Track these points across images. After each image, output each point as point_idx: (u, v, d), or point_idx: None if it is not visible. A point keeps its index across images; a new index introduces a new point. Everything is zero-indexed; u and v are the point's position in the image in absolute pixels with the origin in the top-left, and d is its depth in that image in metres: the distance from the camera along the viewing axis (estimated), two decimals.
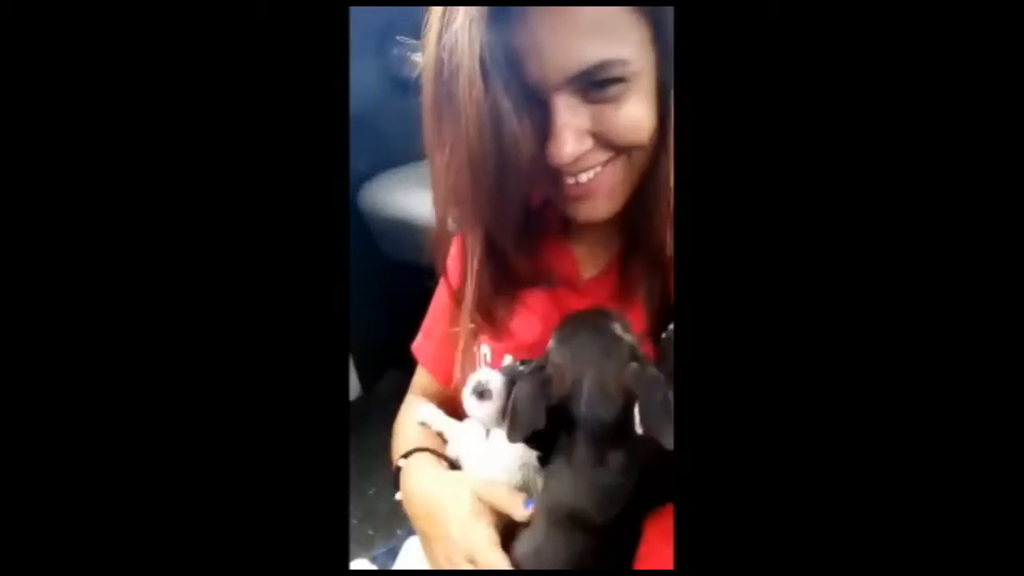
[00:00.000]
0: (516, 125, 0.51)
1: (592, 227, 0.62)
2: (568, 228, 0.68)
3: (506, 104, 0.50)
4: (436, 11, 0.52)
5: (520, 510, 0.58)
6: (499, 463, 0.63)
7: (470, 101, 0.50)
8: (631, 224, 0.61)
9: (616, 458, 0.54)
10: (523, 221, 0.61)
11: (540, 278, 0.66)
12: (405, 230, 1.46)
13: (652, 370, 0.52)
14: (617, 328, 0.55)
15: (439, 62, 0.51)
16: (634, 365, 0.53)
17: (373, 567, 0.78)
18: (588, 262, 0.67)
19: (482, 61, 0.49)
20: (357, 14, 0.51)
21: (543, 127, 0.53)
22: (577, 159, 0.54)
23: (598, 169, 0.56)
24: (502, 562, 0.56)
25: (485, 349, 0.69)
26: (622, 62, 0.51)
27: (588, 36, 0.50)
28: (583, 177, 0.56)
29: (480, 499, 0.60)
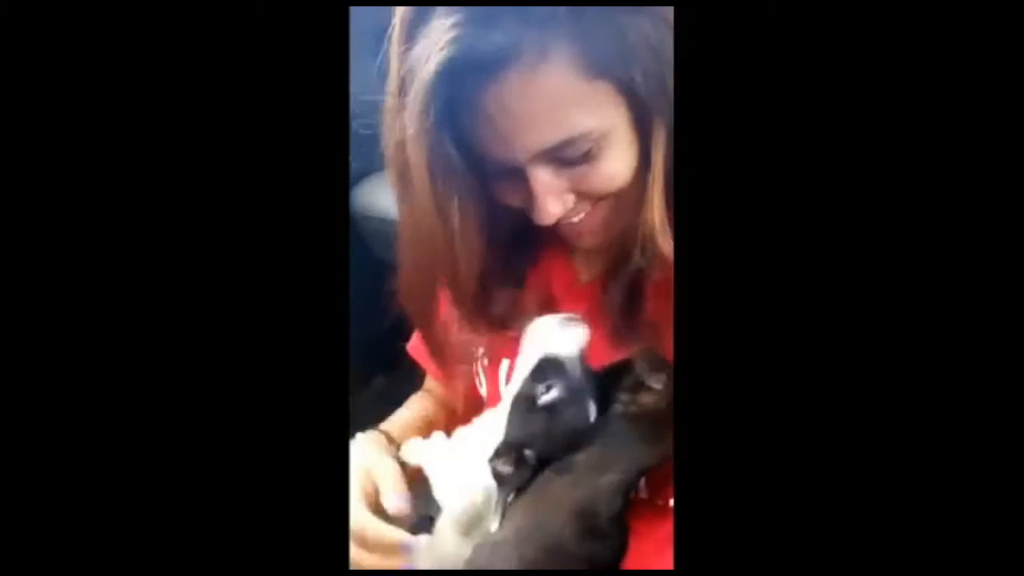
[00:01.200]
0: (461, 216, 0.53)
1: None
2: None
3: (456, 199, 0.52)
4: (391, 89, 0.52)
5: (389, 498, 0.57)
6: (461, 482, 0.60)
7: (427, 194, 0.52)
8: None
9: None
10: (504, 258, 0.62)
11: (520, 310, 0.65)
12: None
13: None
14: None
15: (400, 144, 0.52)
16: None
17: None
18: (586, 266, 0.67)
19: (433, 164, 0.51)
20: (357, 14, 0.51)
21: (521, 191, 0.54)
22: (563, 215, 0.55)
23: (583, 215, 0.56)
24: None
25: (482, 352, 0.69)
26: (585, 134, 0.50)
27: (546, 116, 0.49)
28: (574, 218, 0.56)
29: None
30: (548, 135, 0.50)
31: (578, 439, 0.53)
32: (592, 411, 0.54)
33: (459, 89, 0.49)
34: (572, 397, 0.54)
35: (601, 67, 0.48)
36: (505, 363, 0.67)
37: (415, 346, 0.79)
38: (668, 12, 0.49)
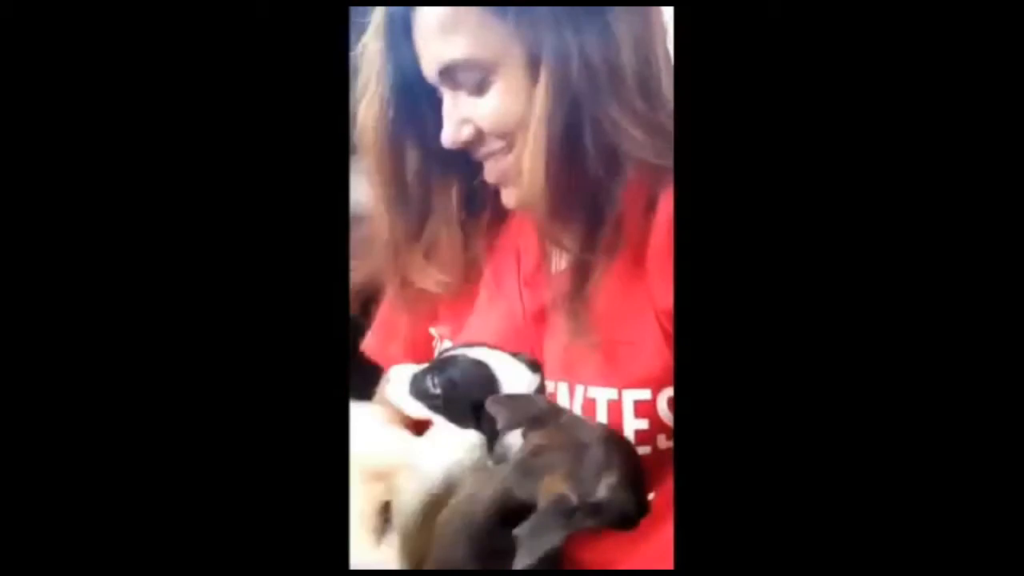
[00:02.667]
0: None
1: (559, 221, 0.62)
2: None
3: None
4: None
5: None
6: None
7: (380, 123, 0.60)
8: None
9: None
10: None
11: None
12: None
13: None
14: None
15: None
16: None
17: None
18: (556, 256, 0.66)
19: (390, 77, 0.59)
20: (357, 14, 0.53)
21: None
22: (468, 145, 0.60)
23: (497, 158, 0.61)
24: None
25: (442, 331, 0.71)
26: (473, 61, 0.56)
27: (443, 38, 0.56)
28: (488, 167, 0.61)
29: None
30: (445, 52, 0.57)
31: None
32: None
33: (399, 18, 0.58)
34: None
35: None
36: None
37: (369, 344, 0.79)
38: None
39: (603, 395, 0.59)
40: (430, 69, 0.58)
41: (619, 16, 0.55)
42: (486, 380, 0.56)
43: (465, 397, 0.56)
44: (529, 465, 0.50)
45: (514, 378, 0.57)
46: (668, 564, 0.41)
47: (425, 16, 0.57)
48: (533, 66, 0.56)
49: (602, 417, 0.58)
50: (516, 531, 0.46)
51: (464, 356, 0.58)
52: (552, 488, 0.47)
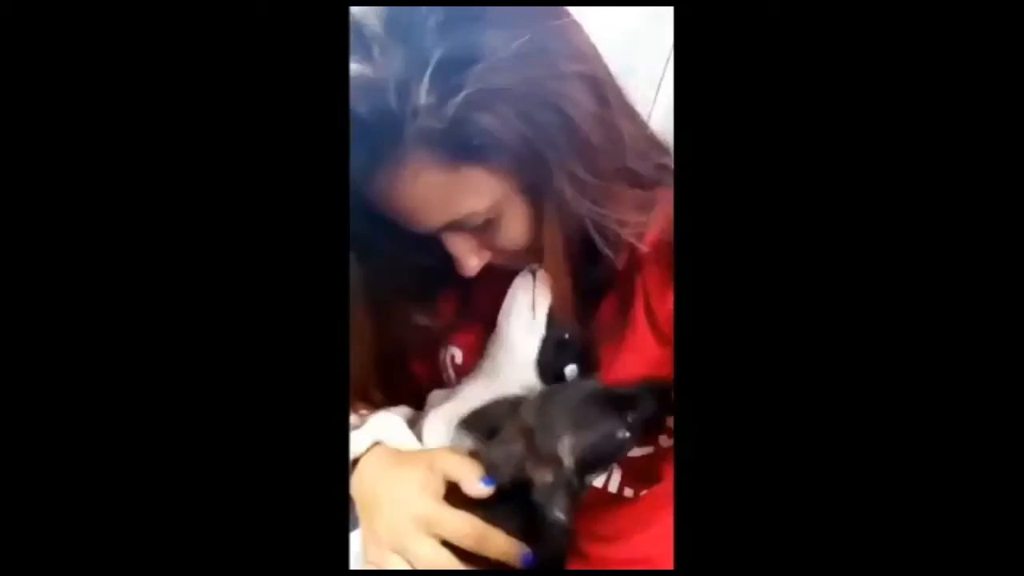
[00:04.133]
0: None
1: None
2: None
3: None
4: None
5: (475, 484, 0.54)
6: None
7: None
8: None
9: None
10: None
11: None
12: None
13: None
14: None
15: None
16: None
17: None
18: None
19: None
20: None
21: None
22: (486, 266, 0.61)
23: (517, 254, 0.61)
24: (438, 550, 0.53)
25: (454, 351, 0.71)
26: (477, 213, 0.56)
27: (434, 203, 0.55)
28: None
29: (431, 469, 0.56)
30: (442, 216, 0.56)
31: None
32: None
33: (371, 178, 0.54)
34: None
35: (461, 156, 0.53)
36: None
37: None
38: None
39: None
40: (428, 225, 0.56)
41: (568, 86, 0.55)
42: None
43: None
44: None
45: None
46: (668, 553, 0.41)
47: (402, 189, 0.54)
48: (533, 190, 0.57)
49: None
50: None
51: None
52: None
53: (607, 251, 0.59)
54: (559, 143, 0.54)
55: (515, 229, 0.58)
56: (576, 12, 0.58)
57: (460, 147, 0.52)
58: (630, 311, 0.62)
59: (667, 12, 0.50)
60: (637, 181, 0.59)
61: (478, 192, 0.55)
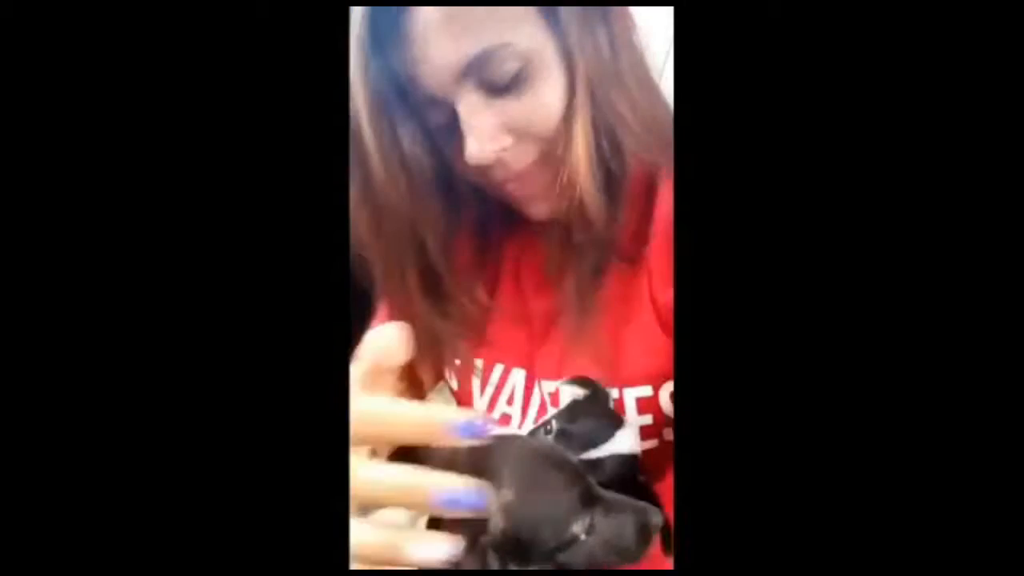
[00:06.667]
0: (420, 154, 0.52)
1: (560, 227, 0.61)
2: (539, 228, 0.66)
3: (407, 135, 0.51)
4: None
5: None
6: None
7: (374, 143, 0.51)
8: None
9: None
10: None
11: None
12: None
13: None
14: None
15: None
16: None
17: None
18: (556, 263, 0.66)
19: (374, 93, 0.49)
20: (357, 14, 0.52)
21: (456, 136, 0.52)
22: (499, 158, 0.53)
23: (525, 169, 0.54)
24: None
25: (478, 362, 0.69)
26: (506, 45, 0.48)
27: (466, 29, 0.48)
28: (512, 183, 0.55)
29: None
30: (468, 46, 0.48)
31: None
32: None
33: (384, 21, 0.48)
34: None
35: None
36: (479, 362, 0.67)
37: None
38: None
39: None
40: (443, 73, 0.50)
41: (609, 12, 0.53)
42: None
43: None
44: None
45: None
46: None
47: (429, 13, 0.48)
48: (567, 57, 0.51)
49: None
50: None
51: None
52: None
53: (615, 167, 0.53)
54: (600, 31, 0.50)
55: (547, 96, 0.51)
56: None
57: None
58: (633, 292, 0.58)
59: (667, 12, 0.51)
60: (650, 92, 0.55)
61: (518, 25, 0.49)
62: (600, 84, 0.52)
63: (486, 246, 0.67)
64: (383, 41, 0.49)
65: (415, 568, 0.35)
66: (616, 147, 0.54)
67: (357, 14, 0.50)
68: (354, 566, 0.36)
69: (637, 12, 0.58)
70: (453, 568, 0.44)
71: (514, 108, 0.51)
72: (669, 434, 0.60)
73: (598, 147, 0.53)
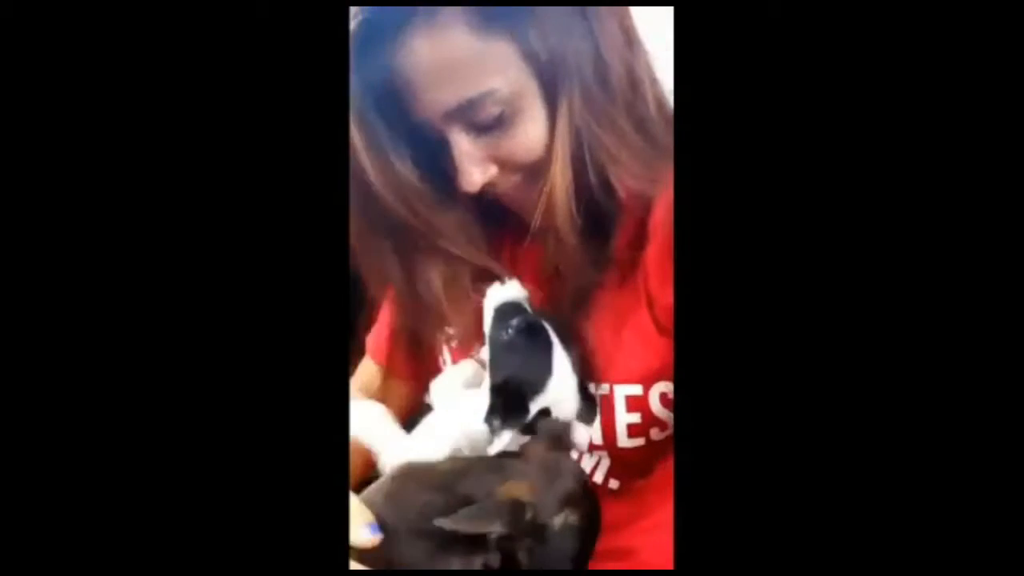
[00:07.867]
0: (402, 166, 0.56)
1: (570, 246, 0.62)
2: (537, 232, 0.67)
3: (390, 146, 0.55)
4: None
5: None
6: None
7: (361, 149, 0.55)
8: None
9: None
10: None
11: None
12: None
13: None
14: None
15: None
16: None
17: None
18: (552, 261, 0.66)
19: (363, 110, 0.54)
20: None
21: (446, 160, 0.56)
22: (488, 185, 0.57)
23: (513, 187, 0.58)
24: None
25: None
26: (490, 93, 0.52)
27: (452, 74, 0.52)
28: (504, 198, 0.59)
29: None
30: (454, 93, 0.52)
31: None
32: (553, 337, 0.55)
33: (374, 58, 0.52)
34: (532, 326, 0.56)
35: (495, 27, 0.51)
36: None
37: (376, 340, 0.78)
38: None
39: (595, 392, 0.60)
40: (432, 110, 0.54)
41: (602, 22, 0.54)
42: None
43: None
44: (500, 464, 0.50)
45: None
46: (668, 546, 0.41)
47: (419, 55, 0.52)
48: (551, 98, 0.54)
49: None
50: (441, 521, 0.43)
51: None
52: (515, 492, 0.46)
53: (602, 199, 0.56)
54: (583, 51, 0.53)
55: (529, 132, 0.55)
56: None
57: (494, 15, 0.50)
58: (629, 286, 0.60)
59: (667, 12, 0.51)
60: (645, 131, 0.57)
61: (502, 70, 0.52)
62: (585, 121, 0.55)
63: (486, 247, 0.67)
64: (374, 80, 0.53)
65: None
66: (604, 180, 0.56)
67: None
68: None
69: (637, 12, 0.58)
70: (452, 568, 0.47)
71: (499, 143, 0.55)
72: (656, 434, 0.60)
73: (581, 180, 0.56)
